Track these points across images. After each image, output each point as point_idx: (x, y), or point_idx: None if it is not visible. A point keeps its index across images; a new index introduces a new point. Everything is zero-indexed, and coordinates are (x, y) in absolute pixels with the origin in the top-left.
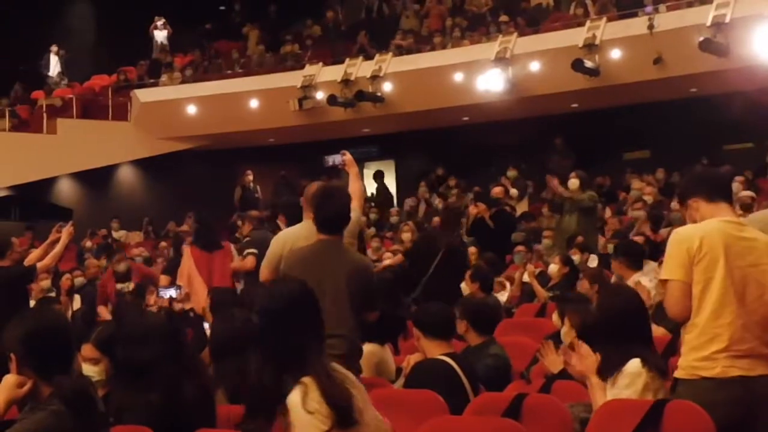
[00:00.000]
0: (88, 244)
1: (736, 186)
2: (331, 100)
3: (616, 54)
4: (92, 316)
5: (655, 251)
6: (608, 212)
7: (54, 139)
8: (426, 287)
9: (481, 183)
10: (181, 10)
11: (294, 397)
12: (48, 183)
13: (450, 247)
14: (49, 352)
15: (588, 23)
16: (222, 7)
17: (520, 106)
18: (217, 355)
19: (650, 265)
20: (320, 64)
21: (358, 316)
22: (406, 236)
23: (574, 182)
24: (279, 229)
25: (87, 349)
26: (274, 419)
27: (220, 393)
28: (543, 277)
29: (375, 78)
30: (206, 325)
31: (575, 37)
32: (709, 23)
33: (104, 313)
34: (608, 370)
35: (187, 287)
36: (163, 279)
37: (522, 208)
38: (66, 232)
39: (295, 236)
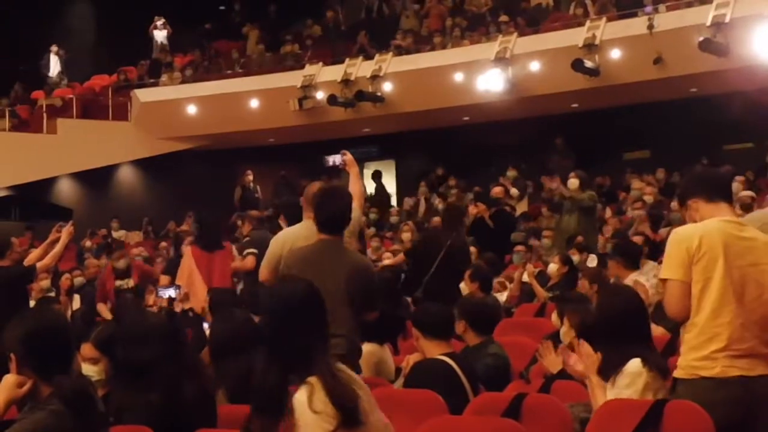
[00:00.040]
0: (88, 243)
1: (736, 186)
2: (331, 100)
3: (616, 54)
4: (92, 316)
5: (655, 251)
6: (608, 212)
7: (54, 139)
8: (428, 287)
9: (481, 183)
10: (181, 10)
11: (300, 397)
12: (48, 183)
13: (452, 246)
14: (49, 352)
15: (588, 23)
16: (222, 7)
17: (520, 106)
18: (217, 355)
19: (650, 265)
20: (320, 64)
21: (358, 316)
22: (406, 236)
23: (573, 182)
24: (281, 229)
25: (86, 349)
26: (281, 419)
27: (220, 393)
28: (542, 277)
29: (375, 78)
30: (205, 325)
31: (575, 37)
32: (708, 23)
33: (103, 310)
34: (609, 369)
35: (187, 287)
36: (163, 279)
37: (522, 208)
38: (66, 232)
39: (295, 236)
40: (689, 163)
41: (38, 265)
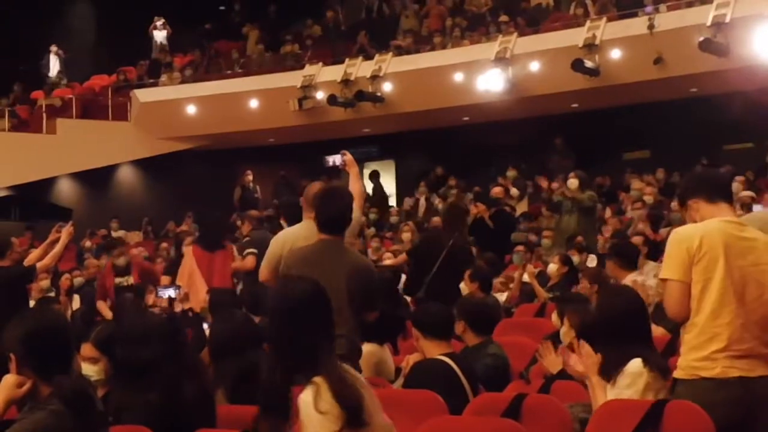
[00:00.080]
0: (88, 244)
1: (736, 186)
2: (331, 100)
3: (616, 54)
4: (91, 316)
5: (655, 251)
6: (608, 212)
7: (54, 139)
8: (430, 286)
9: (481, 183)
10: (181, 10)
11: (305, 397)
12: (48, 183)
13: (454, 246)
14: (49, 352)
15: (588, 23)
16: (222, 7)
17: (520, 106)
18: (217, 355)
19: (650, 265)
20: (320, 64)
21: (358, 316)
22: (406, 236)
23: (573, 182)
24: (282, 229)
25: (86, 348)
26: (288, 419)
27: (220, 393)
28: (542, 277)
29: (375, 78)
30: (205, 325)
31: (575, 37)
32: (709, 23)
33: (103, 308)
34: (609, 370)
35: (187, 287)
36: (164, 279)
37: (522, 208)
38: (66, 232)
39: (295, 236)
40: (689, 163)
41: (38, 265)
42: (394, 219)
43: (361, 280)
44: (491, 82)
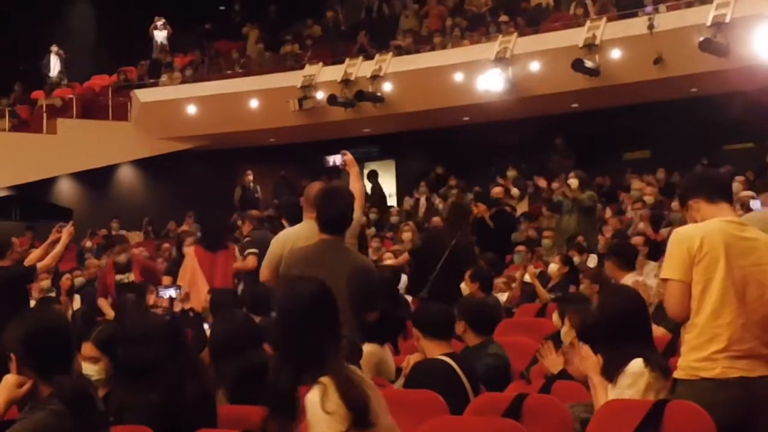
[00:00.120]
0: (88, 244)
1: (736, 186)
2: (331, 100)
3: (616, 54)
4: (92, 316)
5: (656, 251)
6: (608, 212)
7: (54, 139)
8: (433, 286)
9: (482, 183)
10: (181, 10)
11: (312, 397)
12: (48, 183)
13: (456, 246)
14: (49, 352)
15: (588, 23)
16: (222, 7)
17: (520, 106)
18: (217, 355)
19: (650, 265)
20: (320, 64)
21: (359, 316)
22: (407, 236)
23: (573, 182)
24: (283, 229)
25: (87, 348)
26: (296, 420)
27: (220, 393)
28: (543, 277)
29: (375, 78)
30: (206, 326)
31: (575, 37)
32: (709, 23)
33: (104, 305)
34: (611, 370)
35: (189, 287)
36: (165, 279)
37: (522, 208)
38: (66, 232)
39: (296, 236)
40: (689, 163)
41: (39, 265)
42: (394, 219)
43: (361, 281)
44: (491, 82)
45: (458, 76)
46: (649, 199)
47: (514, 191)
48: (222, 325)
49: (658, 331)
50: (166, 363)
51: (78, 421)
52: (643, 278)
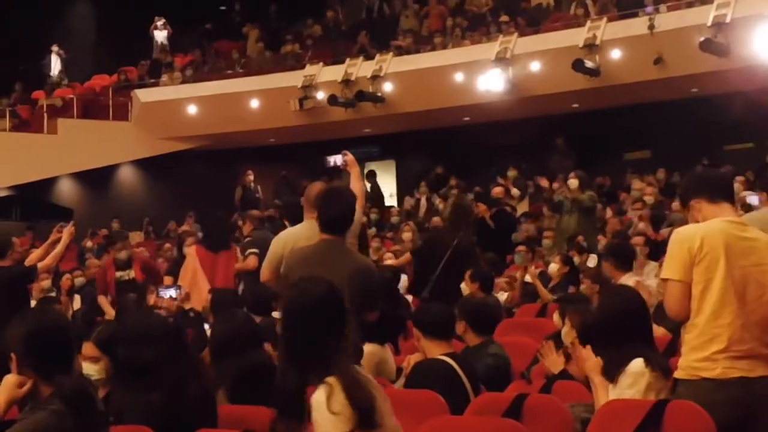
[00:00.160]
0: (89, 244)
1: (736, 186)
2: (332, 100)
3: (616, 54)
4: (92, 316)
5: (656, 251)
6: (609, 212)
7: (54, 139)
8: (434, 286)
9: (482, 183)
10: (182, 10)
11: (318, 397)
12: (49, 183)
13: (458, 246)
14: (50, 352)
15: (588, 23)
16: (222, 7)
17: (520, 106)
18: (217, 355)
19: (651, 265)
20: (321, 64)
21: (359, 316)
22: (407, 236)
23: (573, 182)
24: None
25: (87, 348)
26: (304, 420)
27: (220, 393)
28: (543, 277)
29: (375, 78)
30: (206, 326)
31: (576, 37)
32: (709, 23)
33: (103, 303)
34: (611, 370)
35: (190, 287)
36: (166, 279)
37: (523, 208)
38: (67, 232)
39: (296, 236)
40: (690, 164)
41: (39, 265)
42: (394, 219)
43: (362, 281)
44: (492, 82)
45: (459, 76)
46: (649, 199)
47: (514, 191)
48: (222, 325)
49: (658, 331)
50: (166, 363)
51: (78, 421)
52: (640, 279)
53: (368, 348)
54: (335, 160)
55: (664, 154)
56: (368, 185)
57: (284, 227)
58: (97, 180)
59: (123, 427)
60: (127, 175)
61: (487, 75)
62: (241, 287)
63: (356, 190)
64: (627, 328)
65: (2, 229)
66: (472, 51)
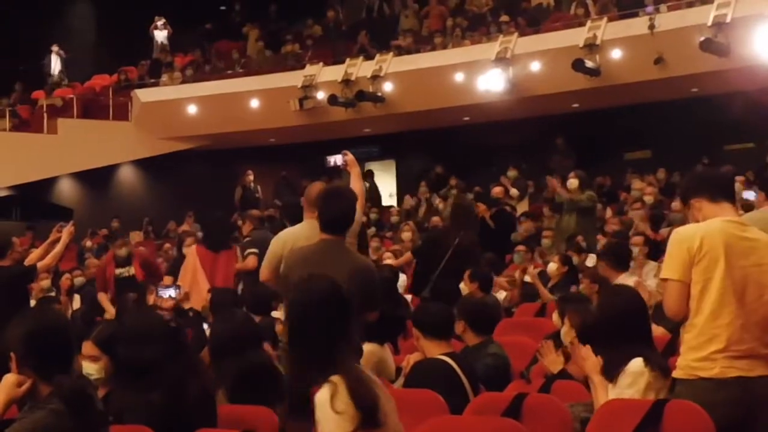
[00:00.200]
0: (89, 243)
1: (737, 186)
2: (332, 100)
3: (616, 54)
4: (92, 315)
5: (656, 251)
6: (609, 212)
7: (55, 139)
8: (435, 286)
9: (482, 183)
10: (182, 10)
11: (322, 396)
12: (48, 183)
13: (460, 245)
14: (49, 352)
15: (589, 23)
16: (222, 7)
17: (520, 106)
18: (217, 354)
19: (650, 265)
20: (321, 64)
21: (359, 316)
22: (406, 236)
23: (573, 182)
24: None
25: (87, 347)
26: (312, 419)
27: (220, 393)
28: (542, 277)
29: (375, 78)
30: (205, 325)
31: (576, 37)
32: (710, 23)
33: (103, 300)
34: (611, 370)
35: (190, 286)
36: (166, 279)
37: (522, 208)
38: (66, 231)
39: (296, 236)
40: (690, 163)
41: (39, 265)
42: (394, 219)
43: (362, 280)
44: (492, 82)
45: (459, 76)
46: (648, 198)
47: (513, 191)
48: (222, 325)
49: (657, 330)
50: (166, 363)
51: (77, 421)
52: (637, 278)
53: (368, 348)
54: (335, 160)
55: (665, 154)
56: (366, 185)
57: (284, 227)
58: (97, 180)
59: (123, 426)
60: (127, 175)
61: (487, 75)
62: (240, 287)
63: (356, 190)
64: (626, 327)
65: (2, 229)
66: (472, 51)
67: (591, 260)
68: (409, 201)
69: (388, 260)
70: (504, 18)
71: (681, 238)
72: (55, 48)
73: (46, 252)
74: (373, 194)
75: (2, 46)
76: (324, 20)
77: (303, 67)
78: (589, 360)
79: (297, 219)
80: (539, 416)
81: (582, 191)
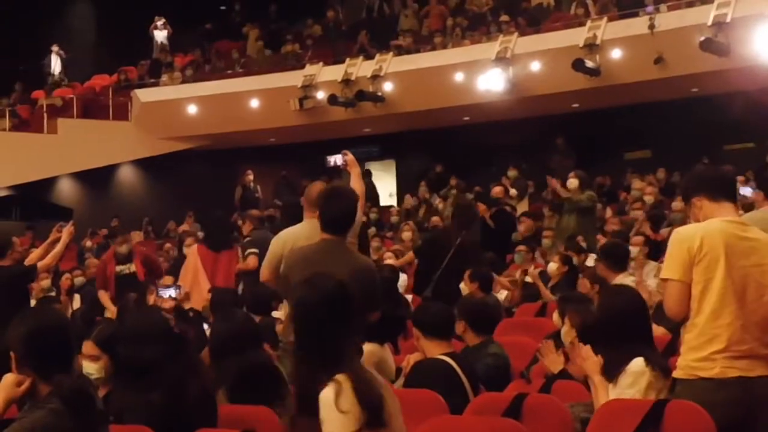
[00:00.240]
0: (89, 243)
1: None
2: (332, 99)
3: (616, 54)
4: (92, 315)
5: (656, 251)
6: (609, 212)
7: (54, 139)
8: (437, 286)
9: (482, 183)
10: (182, 10)
11: (327, 395)
12: (48, 183)
13: (461, 245)
14: (50, 352)
15: (589, 23)
16: (222, 7)
17: (520, 106)
18: (217, 354)
19: (650, 265)
20: (321, 63)
21: (361, 316)
22: (407, 235)
23: (573, 182)
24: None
25: (87, 346)
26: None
27: (220, 393)
28: (543, 277)
29: (375, 78)
30: (205, 325)
31: (576, 36)
32: (710, 23)
33: (104, 298)
34: (611, 369)
35: (191, 286)
36: (167, 279)
37: (522, 208)
38: (66, 231)
39: (296, 236)
40: (690, 163)
41: (39, 264)
42: (394, 219)
43: (363, 281)
44: (492, 82)
45: (459, 76)
46: (649, 198)
47: (512, 191)
48: (222, 325)
49: (658, 330)
50: (167, 362)
51: (77, 420)
52: (635, 278)
53: (368, 347)
54: (335, 159)
55: (665, 153)
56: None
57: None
58: (97, 180)
59: (123, 426)
60: (127, 174)
61: (487, 75)
62: (240, 287)
63: (357, 190)
64: (627, 327)
65: (2, 229)
66: (472, 51)
67: (591, 260)
68: (409, 201)
69: (389, 260)
70: (504, 18)
71: (681, 238)
72: (55, 48)
73: (46, 252)
74: (370, 194)
75: (2, 46)
76: (324, 20)
77: (303, 66)
78: (590, 360)
79: (297, 219)
80: (539, 416)
81: (582, 191)
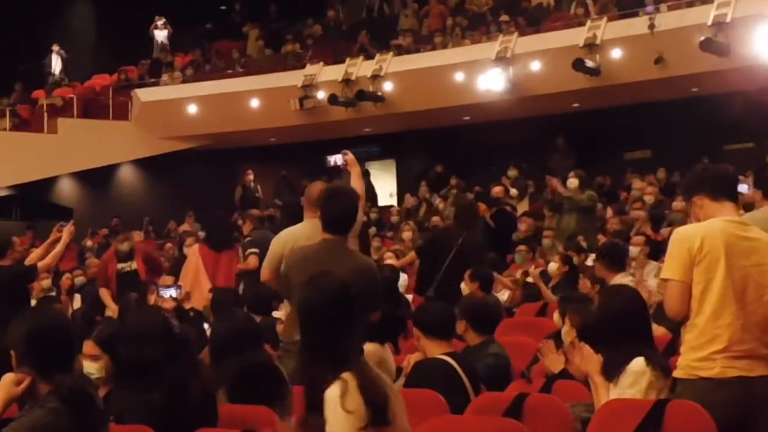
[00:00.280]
0: (89, 243)
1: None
2: (332, 99)
3: (616, 54)
4: (92, 315)
5: (656, 251)
6: (609, 212)
7: (55, 139)
8: (439, 285)
9: (482, 183)
10: (182, 10)
11: (332, 393)
12: (49, 182)
13: (463, 245)
14: (50, 352)
15: (589, 23)
16: (222, 7)
17: (520, 106)
18: (218, 354)
19: (651, 265)
20: (321, 63)
21: (362, 316)
22: (407, 235)
23: (573, 182)
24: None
25: (87, 346)
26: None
27: (220, 393)
28: (543, 277)
29: (376, 77)
30: (206, 325)
31: (576, 36)
32: (710, 23)
33: (105, 296)
34: (612, 369)
35: (191, 286)
36: (168, 279)
37: (523, 207)
38: (67, 231)
39: (296, 236)
40: (690, 163)
41: (39, 264)
42: (394, 219)
43: (364, 281)
44: (492, 82)
45: (459, 76)
46: (649, 198)
47: (513, 191)
48: (222, 325)
49: (658, 330)
50: (167, 362)
51: (76, 420)
52: (634, 278)
53: (368, 347)
54: (335, 159)
55: (665, 153)
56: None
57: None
58: (97, 180)
59: (123, 426)
60: (127, 174)
61: (487, 74)
62: (241, 287)
63: (357, 190)
64: (627, 327)
65: (2, 229)
66: (472, 50)
67: (591, 260)
68: (409, 201)
69: (390, 260)
70: (504, 17)
71: (682, 238)
72: (55, 48)
73: (46, 252)
74: (369, 193)
75: (2, 46)
76: (324, 20)
77: (303, 66)
78: (590, 360)
79: (296, 218)
80: (540, 416)
81: (582, 191)
